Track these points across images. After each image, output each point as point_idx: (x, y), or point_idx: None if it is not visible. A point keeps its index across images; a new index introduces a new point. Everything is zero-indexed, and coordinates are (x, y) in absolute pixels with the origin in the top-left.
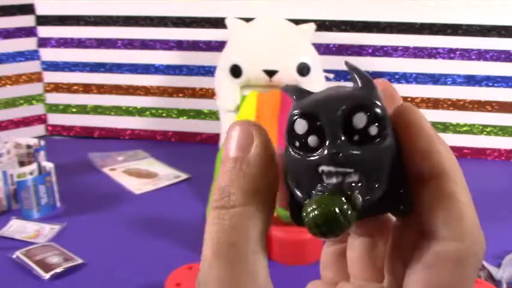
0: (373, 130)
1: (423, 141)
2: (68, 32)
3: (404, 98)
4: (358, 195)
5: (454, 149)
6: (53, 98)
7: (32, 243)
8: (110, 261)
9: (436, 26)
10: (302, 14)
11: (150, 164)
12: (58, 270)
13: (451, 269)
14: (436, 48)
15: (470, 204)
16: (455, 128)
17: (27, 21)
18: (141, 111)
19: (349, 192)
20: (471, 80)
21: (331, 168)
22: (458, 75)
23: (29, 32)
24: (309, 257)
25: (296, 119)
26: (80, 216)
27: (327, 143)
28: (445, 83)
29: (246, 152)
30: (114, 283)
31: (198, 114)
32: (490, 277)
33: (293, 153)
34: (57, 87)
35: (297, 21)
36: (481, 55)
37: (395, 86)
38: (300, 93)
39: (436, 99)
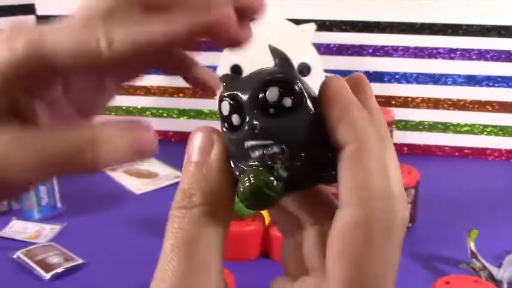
0: (287, 102)
1: (337, 110)
2: None
3: (405, 98)
4: (281, 165)
5: (455, 149)
6: None
7: (33, 244)
8: (111, 261)
9: (436, 26)
10: (302, 14)
11: (150, 164)
12: (59, 270)
13: (355, 235)
14: (436, 48)
15: (381, 171)
16: (456, 128)
17: (27, 21)
18: (141, 111)
19: (270, 163)
20: (471, 80)
21: (253, 142)
22: (459, 75)
23: None
24: None
25: (220, 101)
26: (80, 216)
27: (246, 119)
28: (445, 83)
29: (207, 156)
30: (115, 283)
31: (198, 114)
32: (491, 277)
33: (225, 135)
34: None
35: (297, 21)
36: (482, 55)
37: (396, 86)
38: (230, 79)
39: (437, 99)
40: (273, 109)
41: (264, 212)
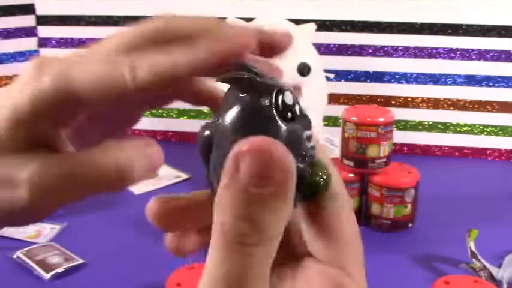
0: (299, 108)
1: None
2: (68, 32)
3: (405, 98)
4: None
5: (455, 149)
6: None
7: (33, 243)
8: (111, 261)
9: (436, 26)
10: (302, 14)
11: None
12: (59, 270)
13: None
14: (436, 48)
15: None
16: (456, 128)
17: (27, 21)
18: None
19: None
20: (471, 80)
21: (309, 132)
22: (459, 75)
23: (29, 32)
24: None
25: (284, 91)
26: (80, 216)
27: (302, 110)
28: (445, 83)
29: (269, 184)
30: (115, 283)
31: (198, 114)
32: (491, 277)
33: (287, 124)
34: None
35: (297, 21)
36: (482, 55)
37: (396, 86)
38: (241, 68)
39: (437, 99)
40: (290, 113)
41: None
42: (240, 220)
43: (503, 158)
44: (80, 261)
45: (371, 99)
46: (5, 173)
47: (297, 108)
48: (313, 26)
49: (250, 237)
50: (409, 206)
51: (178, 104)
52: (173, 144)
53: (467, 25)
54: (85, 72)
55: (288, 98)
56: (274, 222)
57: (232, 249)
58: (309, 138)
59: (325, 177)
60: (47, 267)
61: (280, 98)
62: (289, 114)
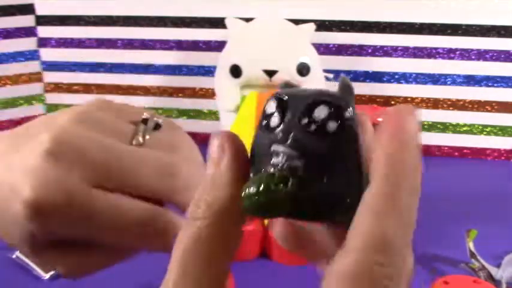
0: (332, 125)
1: (375, 145)
2: (68, 32)
3: (404, 98)
4: (297, 181)
5: (454, 148)
6: (53, 98)
7: None
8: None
9: (436, 26)
10: (302, 14)
11: None
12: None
13: (341, 283)
14: (435, 48)
15: (385, 219)
16: (455, 128)
17: (27, 21)
18: None
19: (286, 174)
20: (471, 80)
21: (280, 148)
22: (458, 75)
23: (29, 32)
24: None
25: (268, 99)
26: None
27: (284, 123)
28: (444, 83)
29: (217, 167)
30: (115, 283)
31: (198, 114)
32: (490, 277)
33: (257, 134)
34: (57, 87)
35: (297, 21)
36: (481, 55)
37: (395, 86)
38: (289, 85)
39: (436, 99)
40: (315, 127)
41: None
42: None
43: (502, 158)
44: None
45: (370, 99)
46: None
47: (330, 126)
48: (312, 26)
49: None
50: None
51: (178, 104)
52: None
53: (466, 25)
54: None
55: (320, 112)
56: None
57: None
58: (279, 153)
59: (245, 188)
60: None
61: (310, 108)
62: (312, 126)
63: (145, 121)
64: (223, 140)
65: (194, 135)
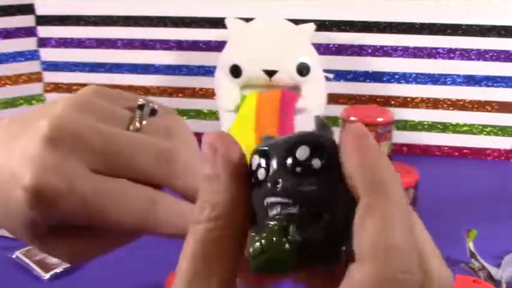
0: (316, 163)
1: (347, 164)
2: (68, 32)
3: (404, 98)
4: (296, 227)
5: (454, 149)
6: (53, 98)
7: None
8: (110, 261)
9: (436, 26)
10: (302, 14)
11: None
12: (58, 270)
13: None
14: (435, 48)
15: (399, 227)
16: (455, 128)
17: (27, 21)
18: None
19: (286, 223)
20: (471, 80)
21: (272, 199)
22: (458, 75)
23: (29, 32)
24: None
25: (252, 156)
26: None
27: (269, 174)
28: (444, 83)
29: (213, 168)
30: (114, 283)
31: (198, 114)
32: (490, 277)
33: (252, 192)
34: (57, 87)
35: (297, 21)
36: (481, 55)
37: (395, 86)
38: (267, 139)
39: (436, 99)
40: (300, 168)
41: None
42: None
43: (502, 158)
44: None
45: (370, 99)
46: None
47: (315, 163)
48: (312, 26)
49: None
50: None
51: (178, 104)
52: None
53: (466, 25)
54: None
55: (301, 153)
56: None
57: None
58: (273, 205)
59: (250, 247)
60: (46, 267)
61: (291, 151)
62: (298, 168)
63: (141, 107)
64: (213, 141)
65: (194, 135)
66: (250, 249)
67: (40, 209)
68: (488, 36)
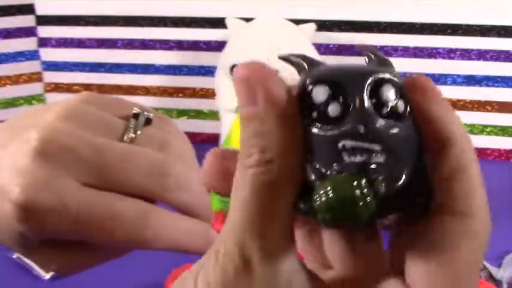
0: (401, 106)
1: (433, 107)
2: (68, 32)
3: None
4: (382, 181)
5: None
6: (53, 98)
7: None
8: (110, 261)
9: (436, 26)
10: (302, 14)
11: None
12: None
13: (471, 246)
14: (436, 48)
15: (480, 175)
16: None
17: (27, 21)
18: None
19: (373, 175)
20: (471, 80)
21: (355, 143)
22: (458, 75)
23: (29, 32)
24: None
25: (315, 85)
26: None
27: (352, 113)
28: (445, 83)
29: (253, 106)
30: (114, 283)
31: (198, 114)
32: (491, 277)
33: (308, 127)
34: (57, 87)
35: (297, 21)
36: (481, 55)
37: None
38: (311, 62)
39: None
40: (387, 110)
41: None
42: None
43: (503, 158)
44: None
45: None
46: None
47: (400, 107)
48: (313, 26)
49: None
50: None
51: (178, 104)
52: None
53: (466, 25)
54: None
55: (388, 93)
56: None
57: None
58: (354, 151)
59: (321, 197)
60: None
61: (373, 89)
62: (384, 110)
63: (136, 116)
64: (248, 75)
65: (194, 135)
66: (318, 200)
67: (29, 223)
68: (489, 36)
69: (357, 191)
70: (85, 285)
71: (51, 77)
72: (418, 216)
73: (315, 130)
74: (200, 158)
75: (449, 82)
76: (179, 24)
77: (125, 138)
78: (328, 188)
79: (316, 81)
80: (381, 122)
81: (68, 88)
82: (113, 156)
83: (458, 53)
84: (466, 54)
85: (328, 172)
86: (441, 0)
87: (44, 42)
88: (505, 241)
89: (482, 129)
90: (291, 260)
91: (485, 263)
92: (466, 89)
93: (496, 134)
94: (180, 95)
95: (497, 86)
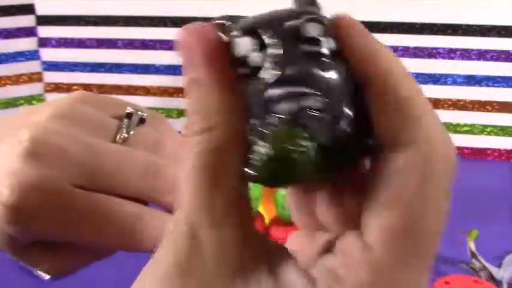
0: (330, 44)
1: (362, 46)
2: (68, 32)
3: None
4: (320, 127)
5: None
6: (53, 98)
7: None
8: (110, 261)
9: (436, 26)
10: None
11: None
12: None
13: (419, 178)
14: (436, 48)
15: (427, 103)
16: (456, 128)
17: (27, 21)
18: None
19: (306, 122)
20: (471, 80)
21: (280, 90)
22: (459, 75)
23: (29, 32)
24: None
25: (235, 39)
26: None
27: (269, 56)
28: (445, 83)
29: (193, 71)
30: (115, 283)
31: None
32: (491, 277)
33: (241, 84)
34: (57, 87)
35: None
36: (481, 55)
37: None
38: (233, 18)
39: (436, 99)
40: (313, 49)
41: (264, 211)
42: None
43: (503, 158)
44: None
45: None
46: None
47: (328, 43)
48: None
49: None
50: None
51: (178, 104)
52: None
53: (466, 25)
54: None
55: (313, 29)
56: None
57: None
58: (281, 98)
59: (257, 159)
60: None
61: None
62: (306, 46)
63: (129, 115)
64: (185, 36)
65: None
66: (254, 158)
67: (19, 225)
68: (489, 36)
69: (289, 145)
70: (85, 285)
71: (51, 77)
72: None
73: (246, 86)
74: None
75: (449, 82)
76: (179, 24)
77: (118, 138)
78: (261, 148)
79: (232, 34)
80: (305, 63)
81: (68, 88)
82: (105, 158)
83: (458, 53)
84: (466, 54)
85: (264, 129)
86: (441, 0)
87: (44, 42)
88: (505, 241)
89: (482, 129)
90: (243, 231)
91: (485, 263)
92: (466, 89)
93: (496, 134)
94: (180, 95)
95: (497, 86)
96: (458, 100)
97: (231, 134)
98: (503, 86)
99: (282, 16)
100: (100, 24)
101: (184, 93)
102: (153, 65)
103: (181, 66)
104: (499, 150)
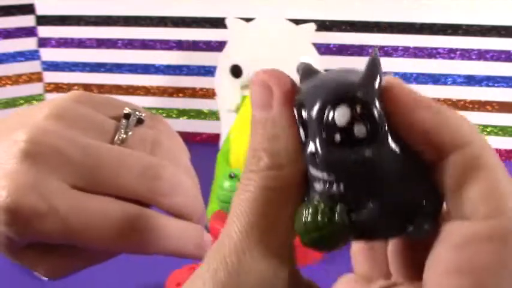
0: (360, 130)
1: (419, 118)
2: (68, 32)
3: None
4: (343, 209)
5: None
6: (53, 98)
7: None
8: (110, 261)
9: (436, 26)
10: (302, 14)
11: None
12: None
13: (486, 249)
14: (436, 48)
15: (504, 171)
16: None
17: (27, 21)
18: None
19: (331, 203)
20: (471, 80)
21: (314, 172)
22: (459, 75)
23: (29, 32)
24: (310, 257)
25: (295, 103)
26: None
27: (308, 141)
28: (445, 83)
29: (268, 110)
30: (114, 283)
31: (198, 114)
32: None
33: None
34: (57, 87)
35: (297, 21)
36: (481, 55)
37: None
38: (308, 72)
39: (437, 100)
40: (339, 135)
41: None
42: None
43: (503, 158)
44: None
45: None
46: None
47: (358, 130)
48: (313, 26)
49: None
50: None
51: (178, 104)
52: None
53: (467, 25)
54: None
55: (340, 115)
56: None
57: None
58: (316, 178)
59: (296, 223)
60: None
61: (329, 111)
62: (337, 136)
63: (127, 116)
64: (267, 79)
65: (194, 135)
66: (296, 224)
67: (16, 227)
68: (489, 36)
69: (319, 219)
70: (85, 286)
71: (51, 77)
72: (421, 233)
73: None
74: (199, 158)
75: (449, 82)
76: (179, 24)
77: (116, 138)
78: (302, 212)
79: (296, 102)
80: (329, 150)
81: (68, 88)
82: (103, 159)
83: (458, 53)
84: (466, 54)
85: (311, 195)
86: (441, 0)
87: (44, 42)
88: None
89: (482, 129)
90: (288, 270)
91: None
92: (466, 89)
93: (496, 134)
94: (180, 95)
95: (497, 86)
96: (459, 100)
97: (295, 177)
98: (503, 86)
99: (320, 93)
100: (100, 24)
101: (252, 129)
102: (153, 65)
103: (181, 66)
104: (499, 150)
